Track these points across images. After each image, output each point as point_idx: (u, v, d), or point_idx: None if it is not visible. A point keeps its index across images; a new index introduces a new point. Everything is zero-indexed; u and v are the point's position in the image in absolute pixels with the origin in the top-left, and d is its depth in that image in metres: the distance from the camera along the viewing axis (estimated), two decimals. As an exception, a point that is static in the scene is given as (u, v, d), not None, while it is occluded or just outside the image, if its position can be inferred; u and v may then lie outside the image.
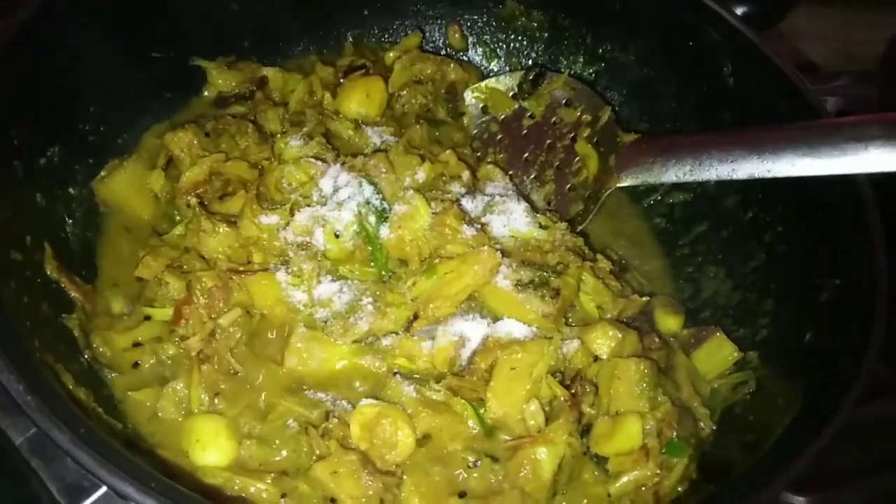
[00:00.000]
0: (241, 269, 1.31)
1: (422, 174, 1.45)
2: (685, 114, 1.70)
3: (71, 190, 1.41)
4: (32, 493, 1.13)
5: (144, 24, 1.52)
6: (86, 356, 1.25)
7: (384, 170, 1.42)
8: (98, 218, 1.44)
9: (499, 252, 1.32)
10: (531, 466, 1.17)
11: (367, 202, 1.37)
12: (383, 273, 1.36)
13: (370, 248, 1.36)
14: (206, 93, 1.67)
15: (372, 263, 1.37)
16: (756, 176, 1.34)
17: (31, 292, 1.19)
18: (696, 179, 1.43)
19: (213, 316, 1.26)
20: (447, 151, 1.57)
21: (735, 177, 1.37)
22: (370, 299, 1.32)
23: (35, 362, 1.00)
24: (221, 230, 1.32)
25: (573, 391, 1.22)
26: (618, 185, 1.56)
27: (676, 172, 1.45)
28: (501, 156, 1.77)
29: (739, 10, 1.80)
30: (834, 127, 1.31)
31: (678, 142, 1.50)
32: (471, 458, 1.19)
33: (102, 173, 1.45)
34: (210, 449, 1.16)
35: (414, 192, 1.39)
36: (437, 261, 1.34)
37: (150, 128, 1.57)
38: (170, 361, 1.26)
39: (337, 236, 1.34)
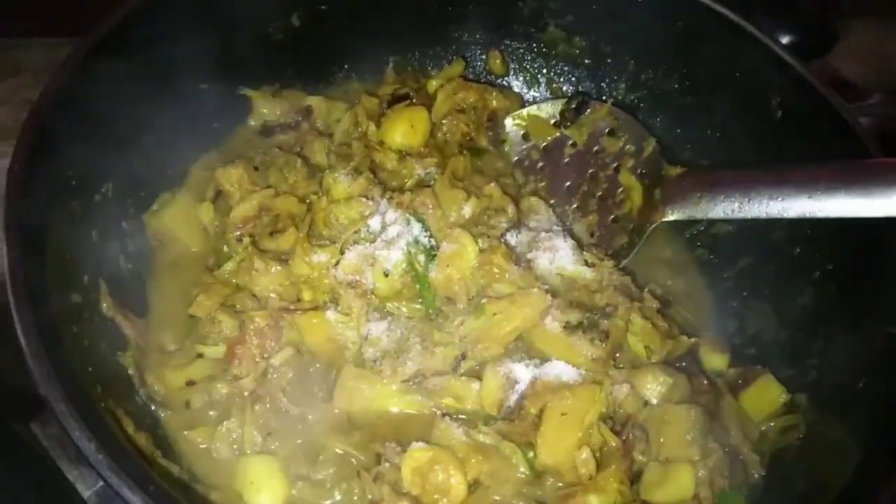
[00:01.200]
0: (293, 307, 1.32)
1: (468, 209, 1.45)
2: (730, 146, 1.69)
3: (124, 224, 1.43)
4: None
5: (195, 58, 1.53)
6: (141, 394, 1.27)
7: (430, 206, 1.43)
8: (148, 252, 1.46)
9: (548, 294, 1.32)
10: None
11: (416, 240, 1.37)
12: (430, 311, 1.36)
13: (418, 287, 1.37)
14: (251, 122, 1.68)
15: (419, 301, 1.37)
16: (808, 215, 1.33)
17: (90, 334, 1.21)
18: (745, 217, 1.42)
19: (265, 356, 1.28)
20: (492, 184, 1.57)
21: (785, 216, 1.36)
22: (418, 338, 1.33)
23: (101, 415, 1.02)
24: (273, 269, 1.33)
25: (624, 438, 1.22)
26: (664, 219, 1.55)
27: (724, 209, 1.45)
28: (543, 184, 1.77)
29: (785, 40, 1.77)
30: (888, 167, 1.30)
31: (726, 176, 1.49)
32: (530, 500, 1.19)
33: (154, 206, 1.46)
34: (264, 491, 1.17)
35: (461, 229, 1.39)
36: (484, 300, 1.34)
37: (198, 159, 1.58)
38: (223, 400, 1.28)
39: (386, 275, 1.35)
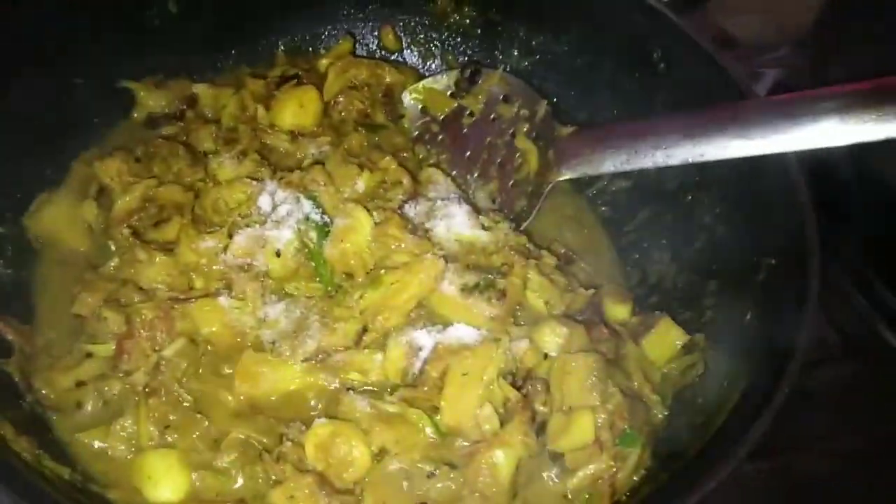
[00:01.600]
0: (182, 296, 1.29)
1: (361, 184, 1.44)
2: (621, 102, 1.71)
3: (1, 229, 1.37)
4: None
5: (64, 48, 1.47)
6: (28, 400, 1.22)
7: (322, 183, 1.41)
8: (31, 255, 1.40)
9: (442, 258, 1.32)
10: (489, 470, 1.18)
11: (307, 218, 1.36)
12: (329, 288, 1.35)
13: (314, 265, 1.35)
14: (135, 115, 1.63)
15: (317, 279, 1.36)
16: (690, 161, 1.36)
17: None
18: (634, 168, 1.45)
19: (156, 348, 1.24)
20: (387, 158, 1.56)
21: (670, 163, 1.38)
22: (317, 316, 1.31)
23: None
24: (158, 259, 1.29)
25: (524, 391, 1.23)
26: (558, 178, 1.57)
27: (614, 162, 1.47)
28: (444, 156, 1.77)
29: (666, -6, 1.81)
30: (762, 105, 1.34)
31: (614, 131, 1.52)
32: (429, 468, 1.19)
33: (32, 208, 1.41)
34: (163, 484, 1.15)
35: (354, 203, 1.38)
36: (382, 272, 1.33)
37: (78, 156, 1.52)
38: (116, 398, 1.24)
39: (278, 255, 1.33)
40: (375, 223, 1.37)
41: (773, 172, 1.34)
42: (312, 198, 1.38)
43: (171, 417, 1.22)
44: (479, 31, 1.87)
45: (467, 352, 1.24)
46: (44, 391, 1.24)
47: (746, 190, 1.43)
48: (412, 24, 1.90)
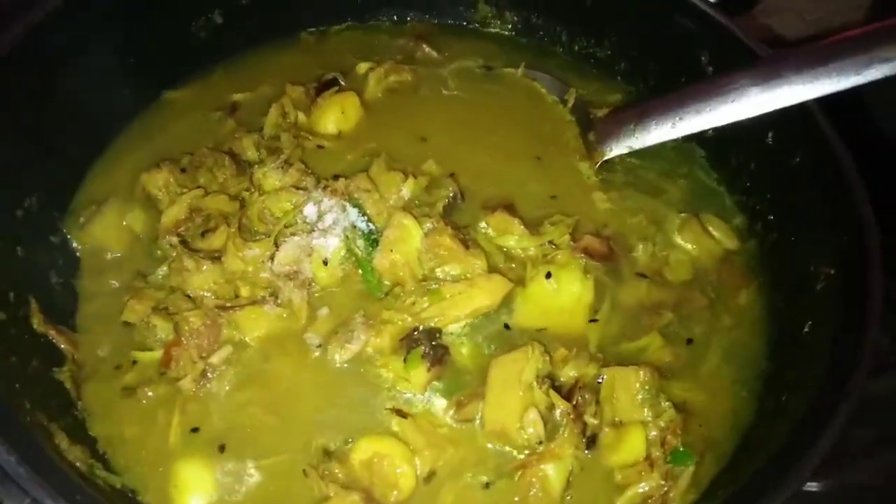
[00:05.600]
0: (229, 304, 1.29)
1: (406, 191, 1.43)
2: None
3: (52, 238, 1.40)
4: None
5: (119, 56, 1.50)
6: (79, 408, 1.24)
7: (367, 190, 1.40)
8: (79, 265, 1.42)
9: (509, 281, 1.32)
10: (540, 484, 1.15)
11: (354, 226, 1.35)
12: (378, 294, 1.34)
13: (361, 273, 1.35)
14: (175, 124, 1.64)
15: (364, 288, 1.35)
16: (733, 119, 1.37)
17: (18, 351, 1.18)
18: (681, 134, 1.44)
19: (203, 355, 1.25)
20: (429, 161, 1.54)
21: (717, 123, 1.40)
22: (362, 320, 1.30)
23: (26, 428, 0.99)
24: (205, 267, 1.30)
25: (574, 402, 1.21)
26: (604, 158, 1.55)
27: (659, 133, 1.46)
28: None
29: (712, -3, 1.78)
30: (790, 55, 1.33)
31: (652, 103, 1.51)
32: (483, 479, 1.17)
33: (81, 219, 1.42)
34: (190, 492, 1.14)
35: (403, 212, 1.37)
36: (435, 286, 1.31)
37: (124, 165, 1.54)
38: (159, 404, 1.23)
39: (325, 264, 1.32)
40: (426, 233, 1.35)
41: (830, 175, 1.31)
42: (358, 206, 1.37)
43: (213, 425, 1.21)
44: (520, 36, 1.86)
45: (505, 356, 1.22)
46: (93, 399, 1.24)
47: (801, 195, 1.39)
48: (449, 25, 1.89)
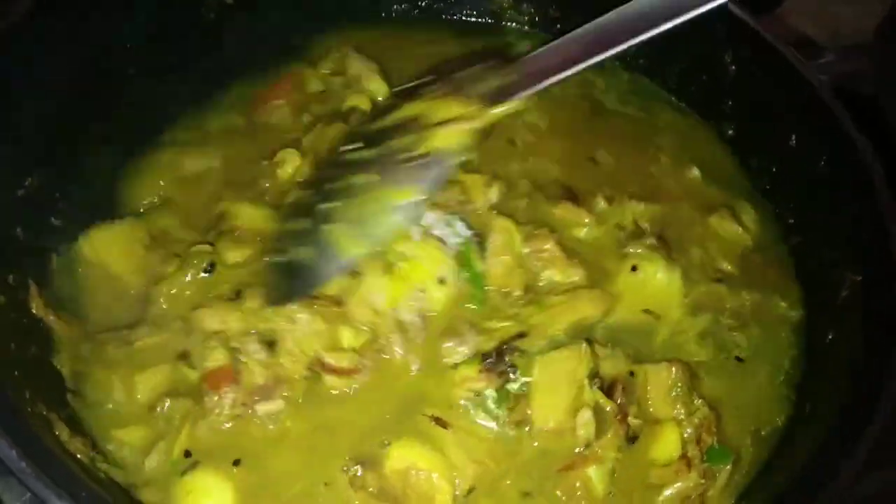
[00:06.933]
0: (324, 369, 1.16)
1: (494, 193, 1.39)
2: (688, 104, 1.66)
3: (53, 220, 1.34)
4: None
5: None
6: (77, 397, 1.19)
7: (462, 199, 1.35)
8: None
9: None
10: (584, 487, 1.11)
11: (462, 237, 1.30)
12: (481, 306, 1.28)
13: (471, 285, 1.28)
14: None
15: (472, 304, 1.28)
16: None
17: (18, 337, 1.12)
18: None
19: (246, 402, 1.14)
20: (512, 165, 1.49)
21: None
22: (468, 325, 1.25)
23: (28, 421, 0.94)
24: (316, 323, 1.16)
25: (619, 401, 1.16)
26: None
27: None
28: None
29: (736, -4, 1.75)
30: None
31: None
32: (524, 487, 1.12)
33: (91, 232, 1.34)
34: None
35: (501, 217, 1.33)
36: (543, 294, 1.28)
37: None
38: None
39: (443, 283, 1.25)
40: (527, 236, 1.32)
41: (855, 179, 1.28)
42: (464, 219, 1.32)
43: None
44: (537, 28, 1.82)
45: (553, 353, 1.18)
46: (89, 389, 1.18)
47: (825, 199, 1.37)
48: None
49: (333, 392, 1.18)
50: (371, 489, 1.08)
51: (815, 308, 1.31)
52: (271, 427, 1.14)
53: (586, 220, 1.39)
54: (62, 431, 1.03)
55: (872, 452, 0.98)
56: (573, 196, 1.44)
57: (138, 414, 1.14)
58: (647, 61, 1.73)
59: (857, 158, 1.28)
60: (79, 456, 1.02)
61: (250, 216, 1.35)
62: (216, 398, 1.13)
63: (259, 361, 1.15)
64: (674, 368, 1.18)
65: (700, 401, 1.17)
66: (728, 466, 1.14)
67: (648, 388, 1.18)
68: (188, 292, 1.27)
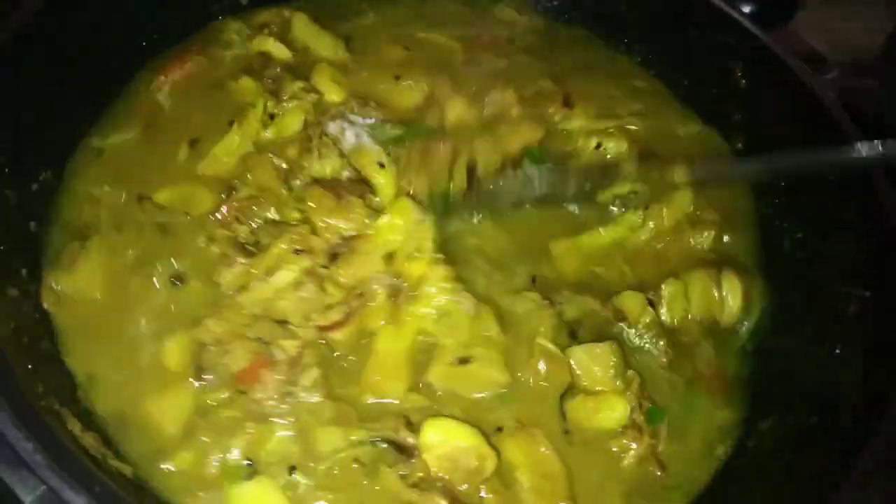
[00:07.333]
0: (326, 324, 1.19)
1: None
2: (696, 117, 1.67)
3: (67, 216, 1.35)
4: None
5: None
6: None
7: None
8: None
9: None
10: None
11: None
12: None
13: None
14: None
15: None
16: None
17: (30, 331, 1.13)
18: None
19: (290, 379, 1.14)
20: None
21: None
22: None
23: (41, 414, 0.94)
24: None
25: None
26: None
27: None
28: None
29: (747, 9, 1.76)
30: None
31: None
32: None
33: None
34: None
35: None
36: None
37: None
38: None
39: (382, 166, 1.35)
40: None
41: (864, 193, 1.29)
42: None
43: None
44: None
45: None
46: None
47: (833, 214, 1.38)
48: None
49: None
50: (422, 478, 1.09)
51: (823, 320, 1.32)
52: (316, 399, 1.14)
53: None
54: (74, 426, 1.03)
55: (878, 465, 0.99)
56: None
57: (177, 443, 1.12)
58: (658, 73, 1.74)
59: (864, 174, 1.29)
60: (91, 451, 1.02)
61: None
62: (261, 386, 1.13)
63: (284, 337, 1.17)
64: (609, 347, 1.22)
65: (633, 372, 1.22)
66: (665, 423, 1.21)
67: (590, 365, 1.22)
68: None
